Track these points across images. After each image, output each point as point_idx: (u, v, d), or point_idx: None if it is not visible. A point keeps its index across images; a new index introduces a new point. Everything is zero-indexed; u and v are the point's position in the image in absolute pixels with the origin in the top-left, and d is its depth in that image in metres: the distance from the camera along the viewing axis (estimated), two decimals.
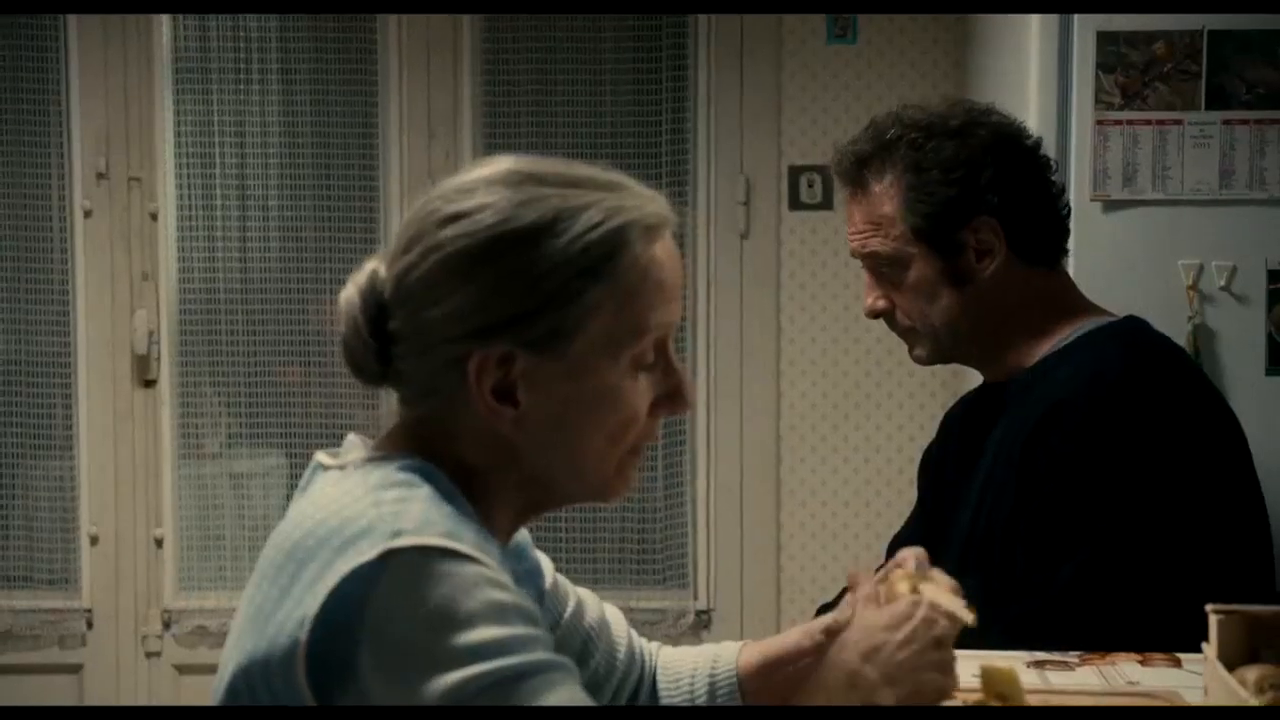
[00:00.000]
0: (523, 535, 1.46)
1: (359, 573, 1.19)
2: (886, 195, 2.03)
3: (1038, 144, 2.09)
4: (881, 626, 1.33)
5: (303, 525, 1.26)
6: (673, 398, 1.34)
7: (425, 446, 1.31)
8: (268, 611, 1.23)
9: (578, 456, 1.31)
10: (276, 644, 1.21)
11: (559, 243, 1.27)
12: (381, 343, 1.30)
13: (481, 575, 1.20)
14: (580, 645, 1.51)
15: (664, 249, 1.32)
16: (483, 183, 1.30)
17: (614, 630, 1.56)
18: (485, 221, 1.27)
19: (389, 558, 1.19)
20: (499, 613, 1.19)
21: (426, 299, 1.27)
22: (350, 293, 1.31)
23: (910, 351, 2.13)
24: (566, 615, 1.51)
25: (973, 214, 2.01)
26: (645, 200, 1.33)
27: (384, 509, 1.23)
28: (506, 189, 1.29)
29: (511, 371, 1.27)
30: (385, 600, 1.18)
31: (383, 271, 1.31)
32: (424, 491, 1.25)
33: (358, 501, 1.24)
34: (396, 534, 1.20)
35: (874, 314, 2.11)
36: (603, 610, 1.57)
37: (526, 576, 1.43)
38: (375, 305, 1.30)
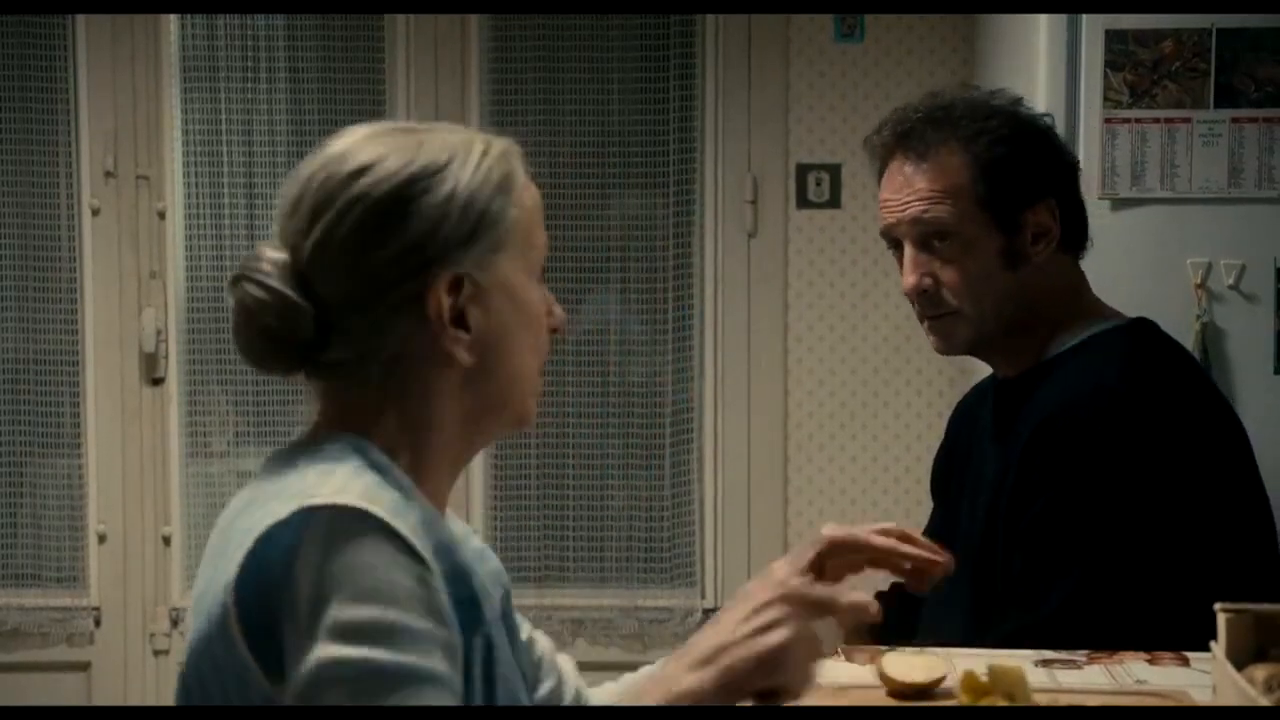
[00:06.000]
0: (491, 558, 1.46)
1: (273, 529, 1.21)
2: (957, 164, 1.97)
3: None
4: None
5: (233, 507, 1.29)
6: (552, 313, 1.40)
7: (355, 423, 1.32)
8: (201, 590, 1.25)
9: (516, 374, 1.36)
10: (211, 617, 1.22)
11: (469, 170, 1.33)
12: (317, 308, 1.30)
13: (391, 552, 1.19)
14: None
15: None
16: (361, 141, 1.34)
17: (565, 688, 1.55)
18: (398, 163, 1.32)
19: (302, 514, 1.20)
20: (397, 596, 1.17)
21: (369, 245, 1.30)
22: (259, 280, 1.29)
23: (944, 339, 2.04)
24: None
25: (1038, 195, 1.99)
26: (491, 136, 1.39)
27: (307, 481, 1.24)
28: (391, 137, 1.34)
29: (460, 296, 1.32)
30: (297, 553, 1.18)
31: (279, 254, 1.31)
32: (349, 465, 1.26)
33: (282, 478, 1.27)
34: (312, 495, 1.22)
35: (919, 291, 2.00)
36: (558, 676, 1.54)
37: (490, 577, 1.42)
38: (295, 277, 1.30)
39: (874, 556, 1.52)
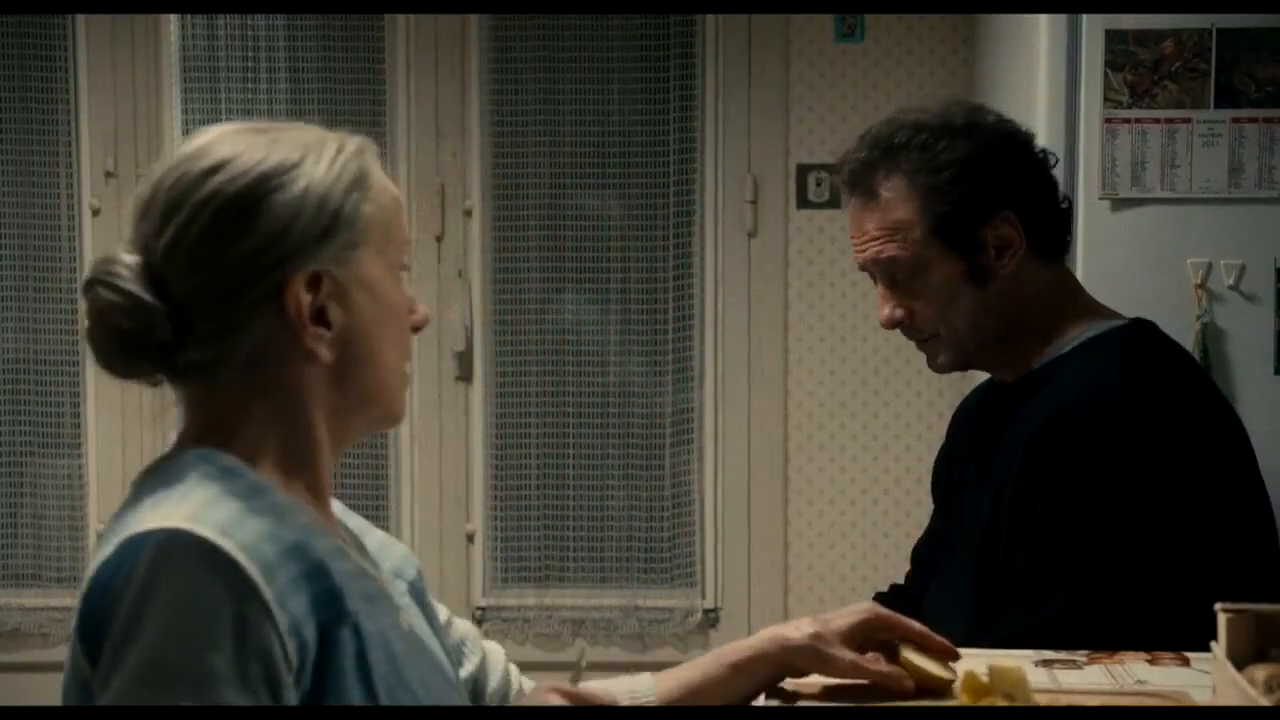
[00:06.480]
0: (395, 545, 1.47)
1: (101, 569, 1.21)
2: (901, 199, 2.00)
3: (1032, 137, 2.08)
4: None
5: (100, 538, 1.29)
6: (415, 310, 1.41)
7: (215, 430, 1.32)
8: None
9: (380, 370, 1.36)
10: (68, 662, 1.23)
11: (321, 167, 1.32)
12: (172, 309, 1.29)
13: (209, 581, 1.18)
14: None
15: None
16: (215, 141, 1.33)
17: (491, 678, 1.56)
18: (250, 161, 1.30)
19: (126, 546, 1.20)
20: (208, 635, 1.16)
21: (222, 243, 1.28)
22: (110, 283, 1.28)
23: (931, 360, 2.08)
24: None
25: (992, 210, 1.99)
26: (346, 134, 1.39)
27: (140, 511, 1.24)
28: (244, 136, 1.33)
29: (320, 293, 1.31)
30: (119, 584, 1.19)
31: (132, 256, 1.30)
32: (187, 482, 1.26)
33: (128, 509, 1.27)
34: (140, 524, 1.22)
35: (892, 324, 2.05)
36: (483, 658, 1.56)
37: (399, 561, 1.44)
38: (149, 281, 1.29)
39: (905, 638, 1.63)
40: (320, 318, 1.31)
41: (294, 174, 1.31)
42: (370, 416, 1.39)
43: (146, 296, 1.28)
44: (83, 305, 1.32)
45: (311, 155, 1.32)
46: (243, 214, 1.29)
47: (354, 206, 1.33)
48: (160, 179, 1.32)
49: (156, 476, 1.29)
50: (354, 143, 1.36)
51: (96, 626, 1.19)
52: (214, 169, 1.30)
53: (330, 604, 1.25)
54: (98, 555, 1.24)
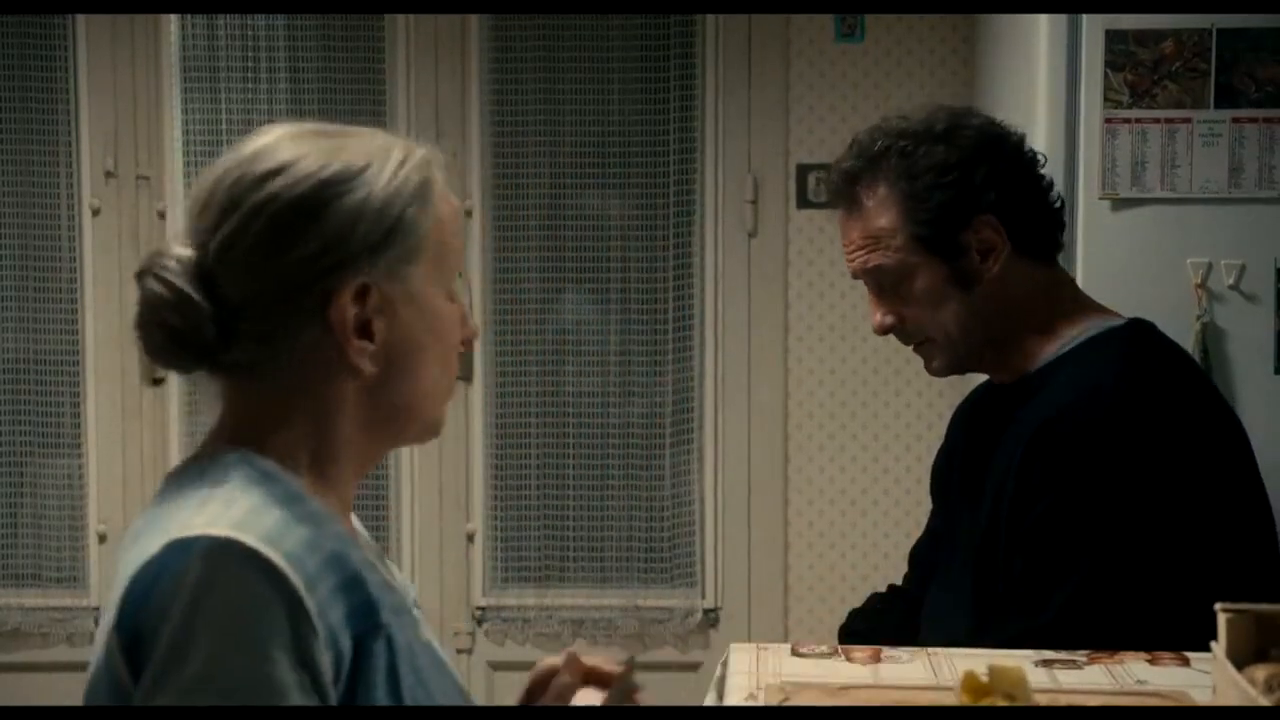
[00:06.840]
0: (397, 572, 1.45)
1: (145, 568, 1.20)
2: (882, 207, 2.02)
3: (1022, 139, 2.08)
4: None
5: (129, 535, 1.28)
6: (465, 324, 1.40)
7: (250, 430, 1.31)
8: (102, 625, 1.25)
9: (422, 385, 1.35)
10: (101, 659, 1.23)
11: (383, 177, 1.31)
12: (220, 309, 1.28)
13: (257, 589, 1.17)
14: None
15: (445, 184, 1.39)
16: (277, 143, 1.32)
17: None
18: (312, 166, 1.29)
19: (172, 549, 1.19)
20: (260, 642, 1.16)
21: (276, 248, 1.27)
22: (162, 276, 1.28)
23: (927, 365, 2.10)
24: None
25: (972, 214, 2.00)
26: (413, 143, 1.38)
27: (184, 511, 1.23)
28: (310, 139, 1.32)
29: (367, 305, 1.30)
30: (165, 591, 1.18)
31: (186, 251, 1.29)
32: (229, 486, 1.25)
33: (166, 505, 1.25)
34: (184, 527, 1.21)
35: (884, 330, 2.08)
36: None
37: (402, 588, 1.42)
38: (200, 278, 1.28)
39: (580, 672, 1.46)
40: (364, 331, 1.30)
41: (355, 182, 1.30)
42: (406, 430, 1.38)
43: (194, 295, 1.27)
44: (135, 294, 1.31)
45: (375, 164, 1.31)
46: (299, 220, 1.28)
47: (412, 219, 1.31)
48: (220, 177, 1.31)
49: (195, 474, 1.28)
50: (420, 152, 1.35)
51: (139, 632, 1.19)
52: (274, 172, 1.29)
53: (366, 616, 1.24)
54: (138, 548, 1.23)
